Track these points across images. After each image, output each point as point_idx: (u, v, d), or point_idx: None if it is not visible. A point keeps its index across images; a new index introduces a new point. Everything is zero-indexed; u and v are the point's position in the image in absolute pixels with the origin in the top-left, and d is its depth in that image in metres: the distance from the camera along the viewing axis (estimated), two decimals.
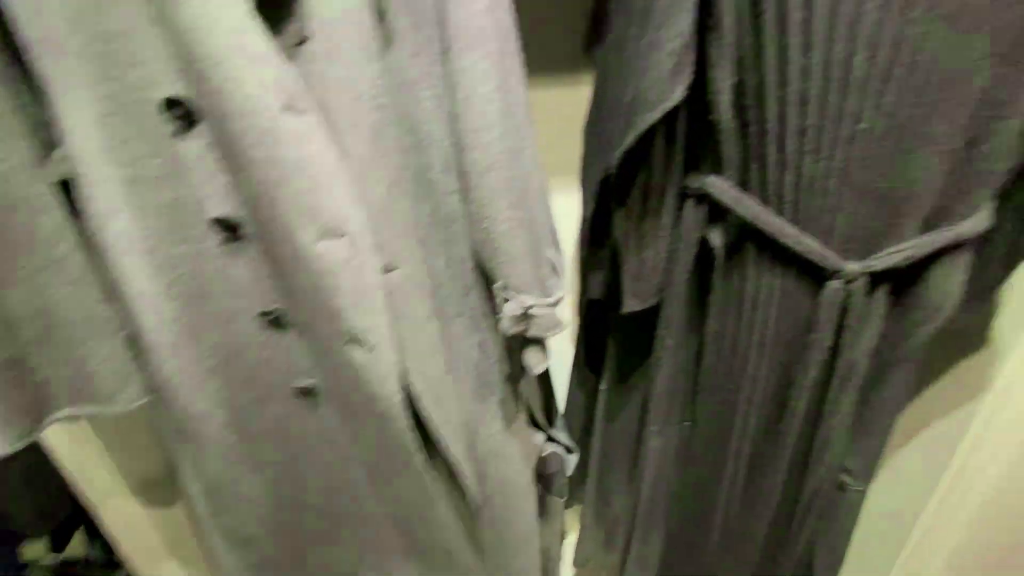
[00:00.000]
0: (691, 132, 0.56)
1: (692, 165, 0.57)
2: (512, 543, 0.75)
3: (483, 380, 0.63)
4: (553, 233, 0.60)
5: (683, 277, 0.62)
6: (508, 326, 0.53)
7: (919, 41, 0.43)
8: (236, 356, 0.50)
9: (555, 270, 0.58)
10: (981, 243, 0.52)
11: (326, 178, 0.41)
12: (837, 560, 0.72)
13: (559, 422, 0.97)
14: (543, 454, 0.95)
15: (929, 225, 0.50)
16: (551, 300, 0.55)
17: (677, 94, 0.47)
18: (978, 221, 0.49)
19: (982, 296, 0.58)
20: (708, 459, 0.71)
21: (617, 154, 0.52)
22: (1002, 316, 0.64)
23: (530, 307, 0.53)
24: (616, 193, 0.57)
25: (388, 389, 0.49)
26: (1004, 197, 0.50)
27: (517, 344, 0.60)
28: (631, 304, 0.65)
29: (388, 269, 0.47)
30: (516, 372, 0.65)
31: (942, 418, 0.72)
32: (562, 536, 1.04)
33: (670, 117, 0.54)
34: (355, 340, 0.46)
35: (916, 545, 0.80)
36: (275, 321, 0.49)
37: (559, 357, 0.99)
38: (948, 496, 0.76)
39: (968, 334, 0.66)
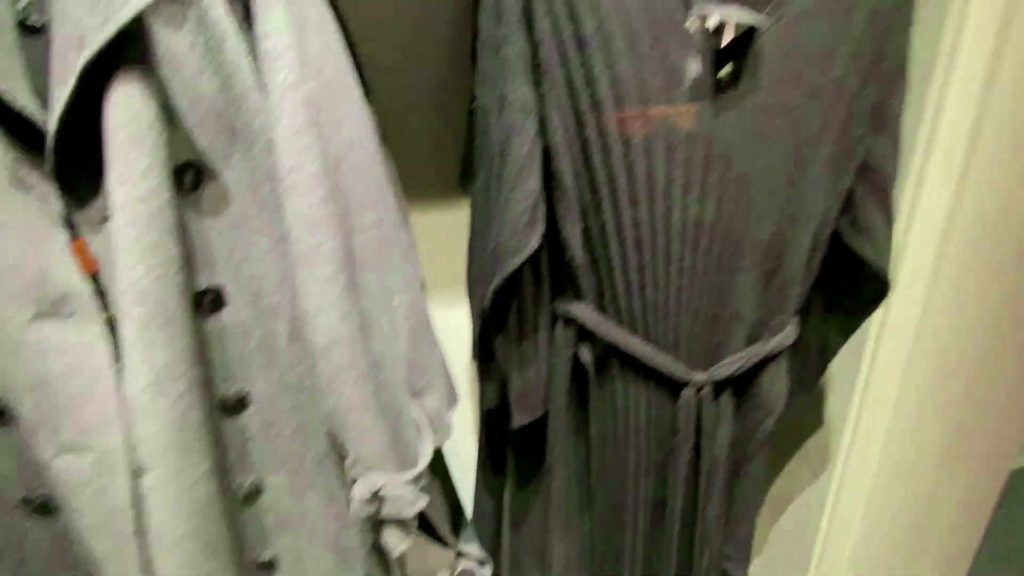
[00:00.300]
0: (555, 265, 0.63)
1: (559, 292, 0.64)
2: None
3: (344, 555, 0.59)
4: (430, 379, 0.60)
5: (563, 390, 0.67)
6: (357, 508, 0.51)
7: (719, 199, 0.53)
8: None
9: (420, 432, 0.57)
10: (798, 349, 0.62)
11: (80, 388, 0.40)
12: None
13: (468, 532, 0.95)
14: (455, 572, 0.92)
15: (752, 339, 0.60)
16: (408, 476, 0.53)
17: (533, 243, 0.54)
18: (788, 334, 0.59)
19: (806, 389, 0.68)
20: (608, 560, 0.74)
21: (488, 295, 0.57)
22: (829, 403, 0.75)
23: (381, 487, 0.51)
24: (493, 321, 0.62)
25: None
26: (804, 313, 0.61)
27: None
28: (519, 418, 0.68)
29: (138, 473, 0.43)
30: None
31: (800, 493, 0.81)
32: None
33: (534, 256, 0.61)
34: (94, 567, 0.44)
35: None
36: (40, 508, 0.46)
37: (466, 462, 1.00)
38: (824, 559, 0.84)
39: (808, 419, 0.76)
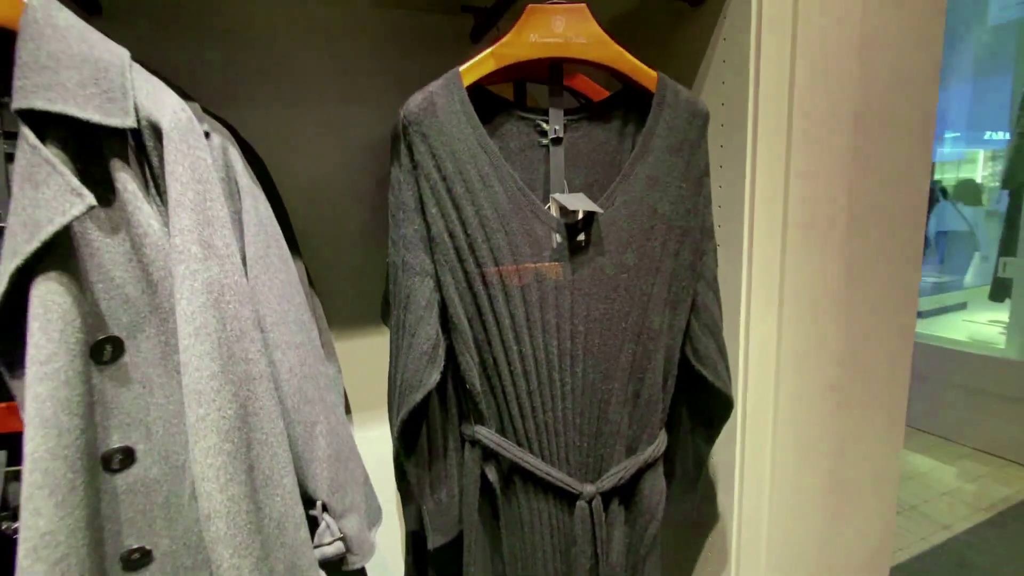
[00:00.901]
0: (460, 394, 0.72)
1: (465, 417, 0.72)
2: None
3: None
4: (352, 501, 0.65)
5: (474, 508, 0.72)
6: None
7: (585, 334, 0.66)
8: None
9: None
10: (678, 462, 0.72)
11: None
12: None
13: None
14: None
15: (631, 451, 0.69)
16: None
17: (433, 379, 0.63)
18: (659, 444, 0.70)
19: (692, 494, 0.78)
20: None
21: (397, 425, 0.65)
22: (720, 502, 0.84)
23: None
24: (403, 447, 0.69)
25: None
26: (676, 430, 0.72)
27: None
28: (436, 540, 0.73)
29: None
30: None
31: None
32: None
33: (441, 386, 0.70)
34: None
35: None
36: None
37: None
38: None
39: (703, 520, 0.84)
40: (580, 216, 0.63)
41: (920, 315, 3.43)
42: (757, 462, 0.81)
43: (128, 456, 0.52)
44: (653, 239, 0.64)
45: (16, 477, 0.53)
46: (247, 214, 0.62)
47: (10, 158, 0.52)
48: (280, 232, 0.67)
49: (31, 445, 0.45)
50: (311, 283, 0.82)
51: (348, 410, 0.97)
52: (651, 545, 0.71)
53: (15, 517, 0.53)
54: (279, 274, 0.64)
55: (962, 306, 3.58)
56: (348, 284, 0.92)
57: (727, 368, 0.72)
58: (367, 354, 0.94)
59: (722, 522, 0.84)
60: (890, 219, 0.88)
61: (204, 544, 0.55)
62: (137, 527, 0.53)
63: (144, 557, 0.53)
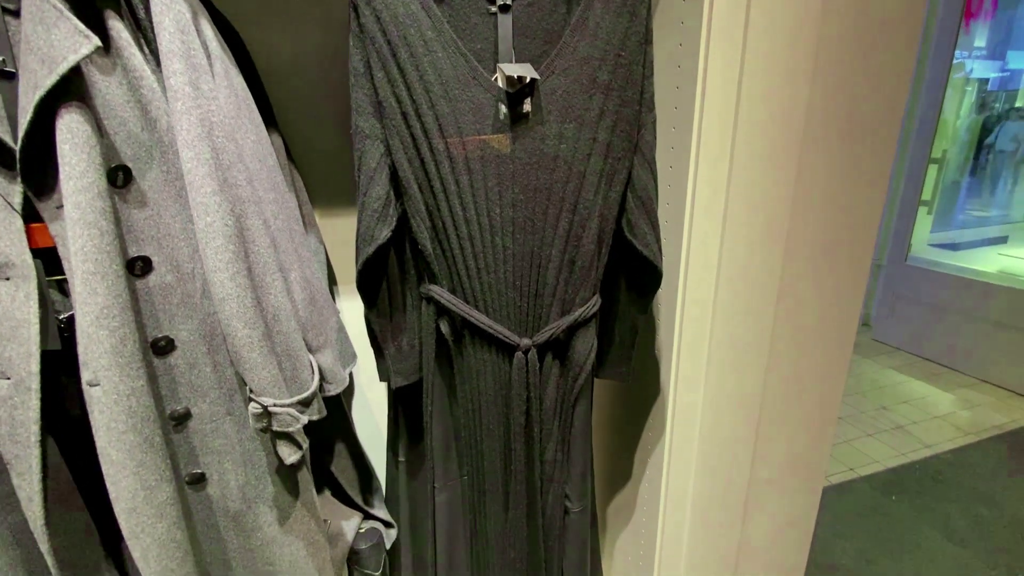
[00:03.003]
0: (417, 255, 0.80)
1: (422, 278, 0.81)
2: None
3: (256, 471, 0.75)
4: (326, 338, 0.77)
5: (431, 357, 0.83)
6: (253, 423, 0.67)
7: (525, 203, 0.71)
8: None
9: (313, 370, 0.73)
10: (616, 330, 0.80)
11: (7, 330, 0.57)
12: (580, 575, 0.90)
13: (378, 498, 1.10)
14: (360, 531, 1.06)
15: (565, 312, 0.77)
16: (292, 400, 0.68)
17: (384, 235, 0.71)
18: (591, 306, 0.77)
19: (624, 356, 0.86)
20: (478, 505, 0.89)
21: (357, 275, 0.74)
22: (661, 374, 0.93)
23: (268, 407, 0.65)
24: (364, 297, 0.78)
25: (33, 512, 0.60)
26: (614, 298, 0.79)
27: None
28: (397, 380, 0.85)
29: (91, 384, 0.59)
30: (288, 466, 0.76)
31: (644, 447, 0.97)
32: None
33: (399, 248, 0.79)
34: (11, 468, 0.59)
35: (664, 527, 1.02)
36: None
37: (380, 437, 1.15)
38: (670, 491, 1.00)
39: (642, 389, 0.93)
40: (520, 85, 0.67)
41: (954, 248, 3.30)
42: (696, 345, 0.88)
43: (147, 264, 0.64)
44: (592, 108, 0.68)
45: (55, 285, 0.65)
46: (218, 77, 0.68)
47: (6, 11, 0.59)
48: (251, 98, 0.73)
49: (79, 242, 0.56)
50: (290, 157, 0.89)
51: (334, 282, 1.07)
52: (580, 393, 0.81)
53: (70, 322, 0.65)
54: (249, 135, 0.71)
55: (1002, 239, 3.41)
56: (331, 162, 0.99)
57: (658, 240, 0.77)
58: (350, 230, 1.02)
59: (661, 399, 0.93)
60: (852, 108, 0.87)
61: (215, 336, 0.68)
62: (161, 321, 0.66)
63: (169, 344, 0.67)
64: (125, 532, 0.62)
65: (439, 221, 0.73)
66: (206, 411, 0.71)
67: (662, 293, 0.89)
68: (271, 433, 0.69)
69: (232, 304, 0.63)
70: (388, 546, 1.07)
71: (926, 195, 2.98)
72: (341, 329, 0.92)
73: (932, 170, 2.93)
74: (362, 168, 0.69)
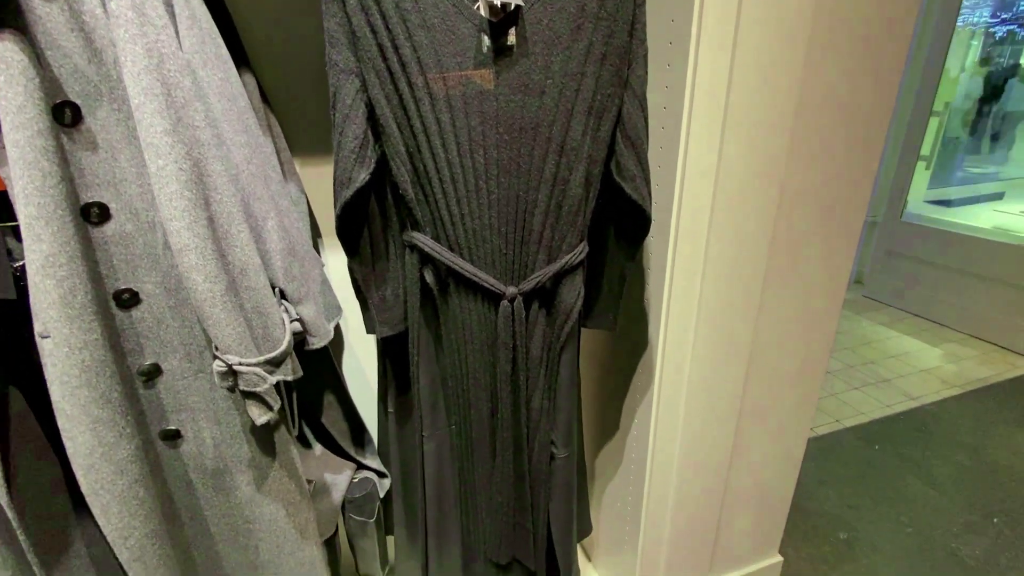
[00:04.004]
0: (399, 201, 0.77)
1: (404, 226, 0.78)
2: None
3: (230, 430, 0.73)
4: (307, 290, 0.74)
5: (416, 305, 0.82)
6: (218, 382, 0.65)
7: (510, 144, 0.68)
8: None
9: (285, 327, 0.70)
10: (606, 277, 0.78)
11: None
12: (566, 519, 0.92)
13: (371, 449, 1.10)
14: (354, 480, 1.07)
15: (551, 259, 0.75)
16: (259, 359, 0.65)
17: (362, 178, 0.68)
18: (578, 253, 0.75)
19: (611, 307, 0.84)
20: (465, 452, 0.89)
21: (336, 221, 0.71)
22: (650, 328, 0.91)
23: (232, 365, 0.63)
24: (345, 245, 0.76)
25: None
26: (603, 246, 0.77)
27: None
28: (382, 331, 0.83)
29: (42, 336, 0.56)
30: (263, 426, 0.74)
31: (633, 397, 0.97)
32: (383, 561, 1.15)
33: (379, 191, 0.76)
34: None
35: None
36: None
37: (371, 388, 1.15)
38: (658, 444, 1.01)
39: (632, 343, 0.92)
40: (504, 14, 0.62)
41: (949, 204, 3.27)
42: (687, 294, 0.87)
43: (104, 211, 0.61)
44: (580, 39, 0.64)
45: (12, 232, 0.62)
46: (178, 6, 0.63)
47: None
48: (217, 32, 0.68)
49: (20, 184, 0.52)
50: (265, 99, 0.84)
51: (319, 234, 1.05)
52: (566, 341, 0.80)
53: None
54: (216, 72, 0.67)
55: (998, 196, 3.38)
56: (311, 106, 0.94)
57: (647, 183, 0.74)
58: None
59: (650, 349, 0.92)
60: (851, 57, 0.83)
61: (181, 290, 0.65)
62: (123, 272, 0.63)
63: (133, 297, 0.64)
64: (84, 488, 0.61)
65: (420, 163, 0.70)
66: (176, 367, 0.69)
67: (652, 241, 0.87)
68: (240, 392, 0.67)
69: (191, 256, 0.59)
70: (382, 495, 1.09)
71: (925, 150, 2.93)
72: (325, 282, 0.90)
73: (933, 123, 2.87)
74: (337, 105, 0.66)
